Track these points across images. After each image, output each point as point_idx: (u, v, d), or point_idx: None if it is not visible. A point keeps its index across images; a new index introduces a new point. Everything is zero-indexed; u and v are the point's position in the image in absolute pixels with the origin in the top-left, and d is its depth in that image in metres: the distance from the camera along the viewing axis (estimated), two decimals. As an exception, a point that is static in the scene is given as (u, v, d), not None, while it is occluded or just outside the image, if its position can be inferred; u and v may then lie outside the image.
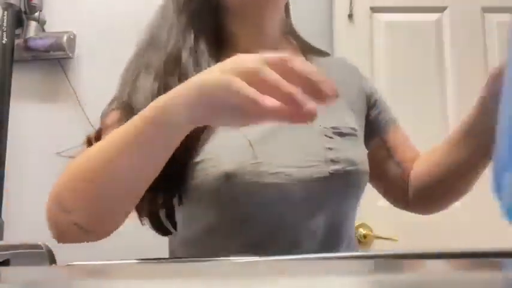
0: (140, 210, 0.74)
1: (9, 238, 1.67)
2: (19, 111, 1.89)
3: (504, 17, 1.89)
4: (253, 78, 0.50)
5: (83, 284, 0.34)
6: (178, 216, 0.76)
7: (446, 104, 1.83)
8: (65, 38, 1.88)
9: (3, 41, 1.76)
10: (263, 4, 0.80)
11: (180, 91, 0.55)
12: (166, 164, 0.61)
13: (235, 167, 0.69)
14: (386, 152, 0.89)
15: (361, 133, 0.84)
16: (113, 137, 0.60)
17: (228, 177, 0.69)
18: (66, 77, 1.94)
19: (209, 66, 0.70)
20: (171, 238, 0.81)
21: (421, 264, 0.43)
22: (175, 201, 0.74)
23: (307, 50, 0.90)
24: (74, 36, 1.92)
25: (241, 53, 0.75)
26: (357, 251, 0.91)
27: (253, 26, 0.81)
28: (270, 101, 0.48)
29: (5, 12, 1.80)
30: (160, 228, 0.76)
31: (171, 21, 0.78)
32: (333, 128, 0.77)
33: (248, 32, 0.80)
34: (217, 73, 0.52)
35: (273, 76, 0.49)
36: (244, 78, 0.49)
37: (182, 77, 0.69)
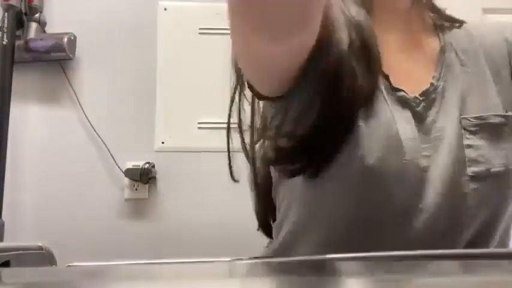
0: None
1: (9, 239, 1.67)
2: (19, 112, 1.89)
3: (504, 17, 1.88)
4: None
5: (83, 285, 0.34)
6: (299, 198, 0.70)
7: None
8: (65, 39, 1.88)
9: (4, 42, 1.76)
10: None
11: None
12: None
13: (378, 159, 0.62)
14: None
15: None
16: None
17: (366, 170, 0.62)
18: (67, 78, 1.94)
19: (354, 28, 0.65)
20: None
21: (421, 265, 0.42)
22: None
23: (442, 22, 0.79)
24: (75, 37, 1.92)
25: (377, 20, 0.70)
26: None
27: None
28: None
29: (6, 14, 1.80)
30: None
31: None
32: (476, 118, 0.67)
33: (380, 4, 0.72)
34: None
35: None
36: None
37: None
